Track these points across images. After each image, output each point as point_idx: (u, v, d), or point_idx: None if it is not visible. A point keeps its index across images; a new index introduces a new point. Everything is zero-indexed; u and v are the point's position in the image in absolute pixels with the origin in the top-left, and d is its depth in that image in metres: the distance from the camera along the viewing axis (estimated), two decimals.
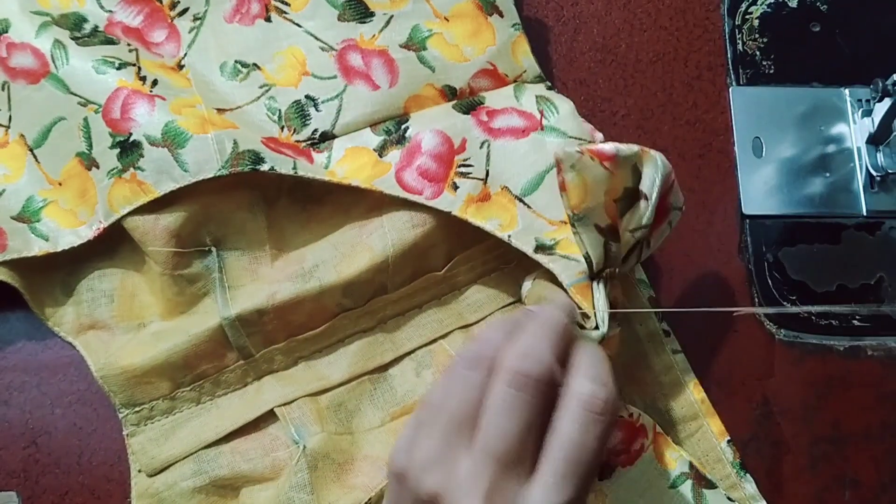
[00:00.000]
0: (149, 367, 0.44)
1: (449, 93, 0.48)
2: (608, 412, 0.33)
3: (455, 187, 0.45)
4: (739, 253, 0.50)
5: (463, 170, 0.45)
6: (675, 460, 0.44)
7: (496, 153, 0.45)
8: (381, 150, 0.46)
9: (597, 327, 0.39)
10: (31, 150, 0.46)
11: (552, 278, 0.42)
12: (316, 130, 0.47)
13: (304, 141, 0.47)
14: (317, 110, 0.47)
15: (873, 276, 0.49)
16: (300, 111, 0.47)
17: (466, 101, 0.47)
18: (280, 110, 0.47)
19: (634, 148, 0.39)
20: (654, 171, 0.39)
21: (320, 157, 0.46)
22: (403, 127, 0.47)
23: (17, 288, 0.45)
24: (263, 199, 0.46)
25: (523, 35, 0.49)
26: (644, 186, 0.39)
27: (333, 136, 0.47)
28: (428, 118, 0.47)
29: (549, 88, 0.49)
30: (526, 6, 0.52)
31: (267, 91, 0.47)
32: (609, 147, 0.38)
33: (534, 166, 0.45)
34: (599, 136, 0.47)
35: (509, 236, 0.44)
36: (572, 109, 0.47)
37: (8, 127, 0.46)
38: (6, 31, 0.46)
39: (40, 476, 0.45)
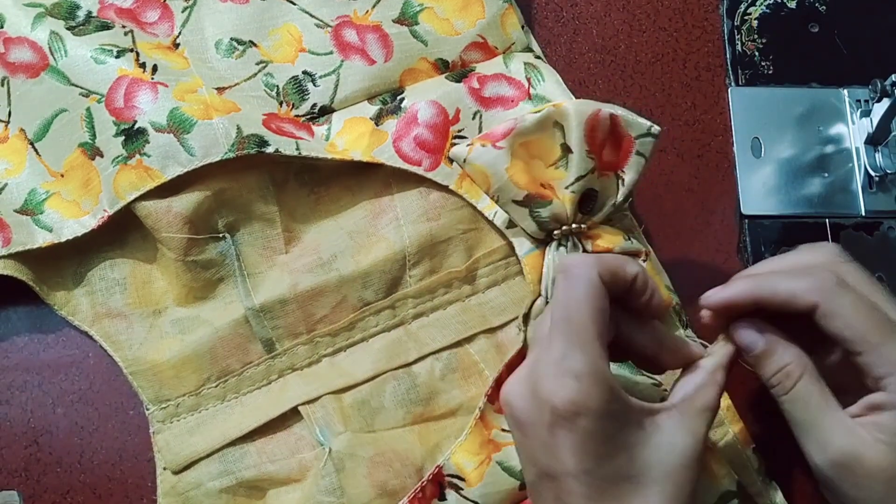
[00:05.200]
0: (177, 361, 0.45)
1: (442, 66, 0.49)
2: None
3: (451, 160, 0.46)
4: (738, 253, 0.50)
5: (458, 141, 0.46)
6: (724, 476, 0.42)
7: (487, 123, 0.47)
8: (378, 119, 0.47)
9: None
10: (31, 144, 0.46)
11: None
12: (315, 105, 0.48)
13: (304, 115, 0.48)
14: (315, 85, 0.48)
15: (872, 275, 0.49)
16: (298, 87, 0.47)
17: (458, 72, 0.49)
18: (278, 86, 0.47)
19: (545, 110, 0.42)
20: (570, 120, 0.41)
21: (320, 129, 0.47)
22: (399, 98, 0.48)
23: (26, 281, 0.45)
24: (273, 182, 0.46)
25: (512, 7, 0.49)
26: (568, 139, 0.42)
27: (332, 110, 0.48)
28: (422, 90, 0.48)
29: (538, 57, 0.50)
30: (525, 7, 0.52)
31: (264, 68, 0.48)
32: (504, 126, 0.42)
33: None
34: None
35: (496, 213, 0.45)
36: (558, 78, 0.48)
37: (8, 122, 0.47)
38: (2, 27, 0.46)
39: (42, 475, 0.45)
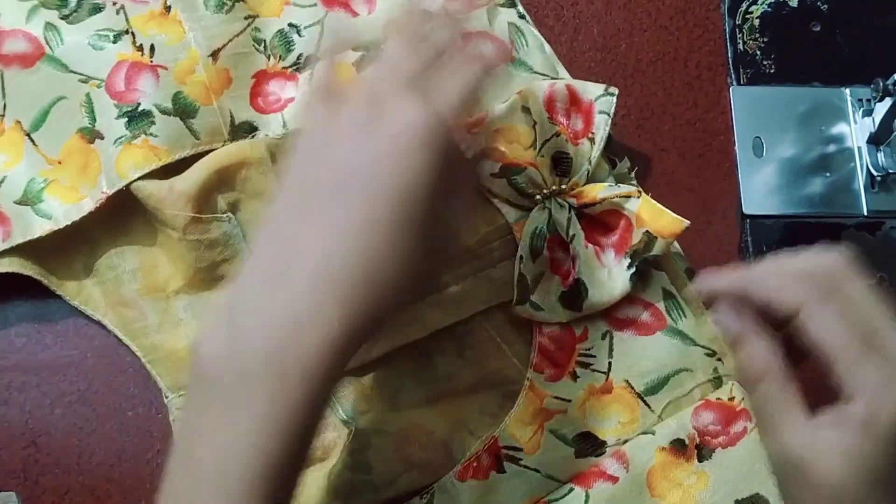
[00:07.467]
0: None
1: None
2: None
3: None
4: (740, 253, 0.50)
5: None
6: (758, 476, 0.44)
7: None
8: (359, 66, 0.48)
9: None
10: (28, 135, 0.46)
11: None
12: (300, 55, 0.49)
13: (290, 66, 0.49)
14: (300, 36, 0.49)
15: (874, 276, 0.49)
16: (284, 39, 0.49)
17: None
18: (265, 40, 0.49)
19: (511, 99, 0.46)
20: (533, 97, 0.45)
21: (305, 75, 0.48)
22: (382, 47, 0.48)
23: (33, 276, 0.45)
24: (272, 159, 0.46)
25: None
26: (533, 114, 0.46)
27: (317, 60, 0.48)
28: None
29: (521, 17, 0.51)
30: (526, 6, 0.52)
31: (251, 23, 0.49)
32: (476, 117, 0.45)
33: (502, 98, 0.47)
34: (564, 72, 0.50)
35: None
36: (541, 43, 0.50)
37: (3, 115, 0.47)
38: None
39: (40, 476, 0.45)
